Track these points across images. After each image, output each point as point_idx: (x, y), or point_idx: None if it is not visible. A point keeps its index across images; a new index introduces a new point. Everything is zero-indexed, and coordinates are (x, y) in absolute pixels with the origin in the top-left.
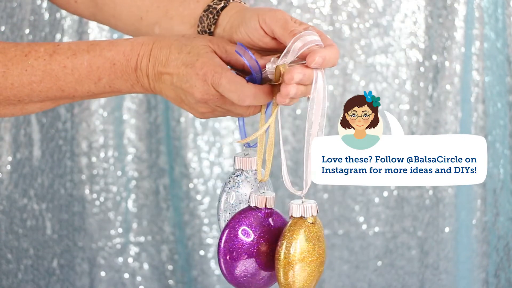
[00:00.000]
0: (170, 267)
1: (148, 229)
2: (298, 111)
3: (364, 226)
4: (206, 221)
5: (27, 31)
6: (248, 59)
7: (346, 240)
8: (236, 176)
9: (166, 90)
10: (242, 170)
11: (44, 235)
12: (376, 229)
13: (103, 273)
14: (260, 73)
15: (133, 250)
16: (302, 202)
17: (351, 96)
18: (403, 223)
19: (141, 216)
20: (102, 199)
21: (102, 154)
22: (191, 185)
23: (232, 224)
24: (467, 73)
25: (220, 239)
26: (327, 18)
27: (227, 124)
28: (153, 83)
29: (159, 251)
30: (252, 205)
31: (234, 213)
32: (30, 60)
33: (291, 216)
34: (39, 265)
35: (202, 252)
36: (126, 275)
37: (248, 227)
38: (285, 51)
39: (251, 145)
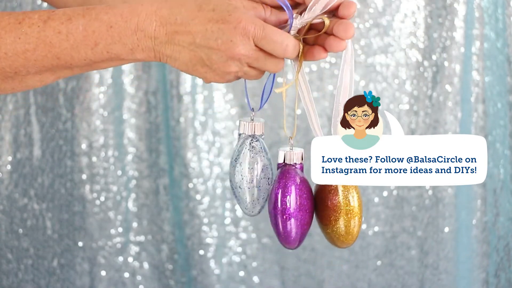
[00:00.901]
0: (170, 267)
1: (148, 229)
2: (298, 111)
3: (364, 226)
4: (205, 220)
5: None
6: (284, 4)
7: None
8: (256, 141)
9: (180, 52)
10: (254, 135)
11: (44, 235)
12: (376, 229)
13: (103, 273)
14: (292, 19)
15: (133, 249)
16: None
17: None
18: (403, 223)
19: (141, 215)
20: (102, 198)
21: (102, 154)
22: (190, 185)
23: (283, 183)
24: (467, 73)
25: (274, 200)
26: None
27: (227, 124)
28: (160, 45)
29: (159, 251)
30: (290, 162)
31: (268, 177)
32: (23, 28)
33: None
34: (40, 265)
35: (201, 252)
36: (126, 275)
37: (298, 184)
38: (310, 5)
39: (255, 110)
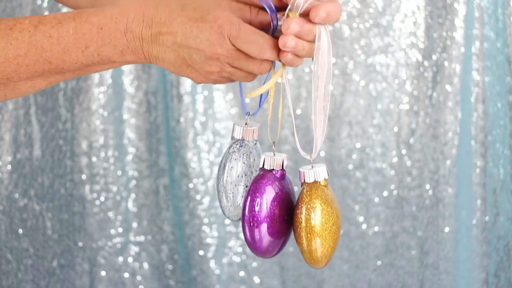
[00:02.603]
0: (170, 267)
1: (148, 229)
2: (298, 111)
3: (364, 226)
4: (206, 221)
5: None
6: (267, 4)
7: (346, 239)
8: (241, 146)
9: (165, 52)
10: (243, 139)
11: (44, 235)
12: (376, 228)
13: (103, 273)
14: (277, 21)
15: (133, 249)
16: (312, 166)
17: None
18: (403, 223)
19: (141, 215)
20: (102, 198)
21: (102, 154)
22: (191, 185)
23: (254, 188)
24: (467, 73)
25: (243, 205)
26: None
27: (227, 124)
28: (147, 46)
29: (159, 251)
30: (269, 167)
31: (244, 182)
32: (14, 33)
33: (304, 182)
34: (39, 265)
35: (201, 252)
36: (126, 275)
37: (271, 191)
38: (288, 7)
39: (251, 114)
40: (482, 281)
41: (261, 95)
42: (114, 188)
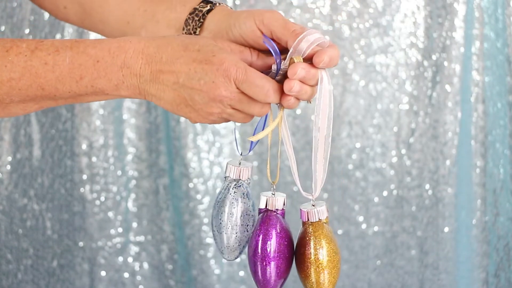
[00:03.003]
0: (170, 267)
1: (148, 229)
2: (298, 111)
3: (363, 226)
4: (205, 220)
5: (27, 31)
6: (273, 48)
7: (345, 239)
8: (238, 186)
9: (164, 91)
10: (239, 179)
11: (44, 235)
12: (376, 228)
13: (103, 273)
14: (280, 65)
15: (133, 249)
16: (313, 205)
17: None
18: (402, 223)
19: (141, 215)
20: (102, 198)
21: (102, 154)
22: (191, 185)
23: (265, 229)
24: (467, 73)
25: (255, 246)
26: (327, 18)
27: (227, 124)
28: (144, 83)
29: (159, 251)
30: (272, 208)
31: (247, 223)
32: (10, 56)
33: (307, 221)
34: (39, 265)
35: (202, 252)
36: (126, 275)
37: (279, 231)
38: (290, 51)
39: (242, 154)
40: (482, 281)
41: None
42: (114, 188)
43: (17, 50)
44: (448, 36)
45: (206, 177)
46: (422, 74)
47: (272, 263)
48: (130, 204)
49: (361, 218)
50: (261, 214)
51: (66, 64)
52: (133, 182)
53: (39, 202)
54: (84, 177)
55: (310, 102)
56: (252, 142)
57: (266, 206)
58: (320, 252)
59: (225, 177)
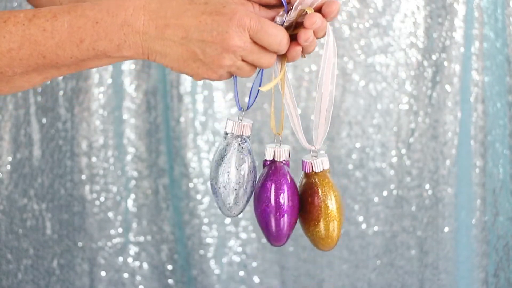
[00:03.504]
0: (169, 267)
1: (148, 229)
2: (298, 111)
3: (363, 226)
4: (205, 220)
5: None
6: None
7: (345, 239)
8: (245, 142)
9: (171, 47)
10: (242, 135)
11: (44, 235)
12: (376, 228)
13: (103, 273)
14: (286, 16)
15: (133, 249)
16: (317, 156)
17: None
18: (402, 223)
19: (141, 216)
20: (102, 199)
21: (102, 154)
22: (191, 185)
23: (276, 180)
24: (467, 73)
25: (267, 198)
26: None
27: (227, 123)
28: (149, 40)
29: (159, 251)
30: (280, 159)
31: (253, 179)
32: (8, 26)
33: (312, 171)
34: (39, 265)
35: (201, 252)
36: (126, 275)
37: (289, 181)
38: (297, 2)
39: (244, 110)
40: (482, 280)
41: (251, 92)
42: (114, 188)
43: (14, 20)
44: (448, 36)
45: (206, 177)
46: (422, 74)
47: (286, 215)
48: (130, 204)
49: (361, 218)
50: (268, 166)
51: (65, 29)
52: (133, 182)
53: (39, 202)
54: (84, 177)
55: (304, 57)
56: (249, 99)
57: (273, 157)
58: (329, 201)
59: (226, 133)
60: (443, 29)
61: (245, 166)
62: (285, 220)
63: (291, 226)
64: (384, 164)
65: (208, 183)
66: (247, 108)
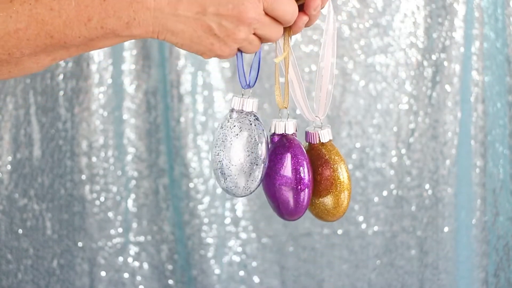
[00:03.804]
0: (169, 267)
1: (148, 229)
2: (298, 111)
3: (363, 226)
4: (206, 220)
5: None
6: None
7: (345, 239)
8: (256, 119)
9: (185, 23)
10: (252, 112)
11: (44, 235)
12: (376, 228)
13: (103, 273)
14: None
15: (133, 249)
16: (321, 127)
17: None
18: (402, 223)
19: (141, 216)
20: (102, 199)
21: (102, 154)
22: (191, 185)
23: (294, 154)
24: (467, 73)
25: (294, 172)
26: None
27: None
28: (160, 17)
29: (159, 251)
30: (290, 132)
31: (267, 154)
32: (15, 6)
33: (318, 142)
34: (39, 265)
35: (202, 252)
36: (126, 275)
37: (306, 154)
38: None
39: (251, 86)
40: (482, 280)
41: (251, 70)
42: (114, 188)
43: None
44: (448, 36)
45: (206, 177)
46: (422, 74)
47: (307, 188)
48: (130, 204)
49: (361, 218)
50: (280, 139)
51: (72, 7)
52: (133, 182)
53: (39, 202)
54: (84, 177)
55: (292, 34)
56: (250, 78)
57: (285, 131)
58: (340, 171)
59: (234, 110)
60: (443, 29)
61: (263, 140)
62: (305, 193)
63: (310, 198)
64: (384, 164)
65: (208, 183)
66: (254, 84)
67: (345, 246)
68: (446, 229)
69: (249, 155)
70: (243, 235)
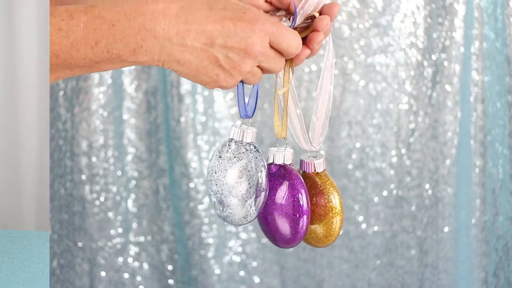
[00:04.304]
0: (170, 267)
1: (148, 229)
2: (298, 111)
3: (363, 226)
4: (206, 220)
5: None
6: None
7: (345, 239)
8: (256, 151)
9: (192, 53)
10: (252, 143)
11: None
12: (376, 228)
13: (103, 273)
14: (296, 20)
15: (133, 250)
16: (316, 156)
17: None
18: (402, 223)
19: (141, 216)
20: (102, 199)
21: (102, 154)
22: (191, 185)
23: (292, 183)
24: (467, 73)
25: (293, 202)
26: None
27: (227, 124)
28: (167, 46)
29: (159, 251)
30: (288, 163)
31: (266, 184)
32: None
33: (314, 171)
34: None
35: (202, 252)
36: (126, 275)
37: (303, 183)
38: (299, 9)
39: (250, 116)
40: (482, 280)
41: (249, 100)
42: (114, 188)
43: None
44: (447, 36)
45: (206, 177)
46: (422, 74)
47: (305, 216)
48: (130, 204)
49: (361, 218)
50: (278, 169)
51: (81, 29)
52: (133, 182)
53: None
54: (84, 177)
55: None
56: (248, 108)
57: (283, 161)
58: (333, 201)
59: (233, 141)
60: (443, 29)
61: (263, 170)
62: (304, 221)
63: (308, 226)
64: (384, 164)
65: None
66: (252, 114)
67: (345, 246)
68: (446, 229)
69: (250, 186)
70: (243, 235)
